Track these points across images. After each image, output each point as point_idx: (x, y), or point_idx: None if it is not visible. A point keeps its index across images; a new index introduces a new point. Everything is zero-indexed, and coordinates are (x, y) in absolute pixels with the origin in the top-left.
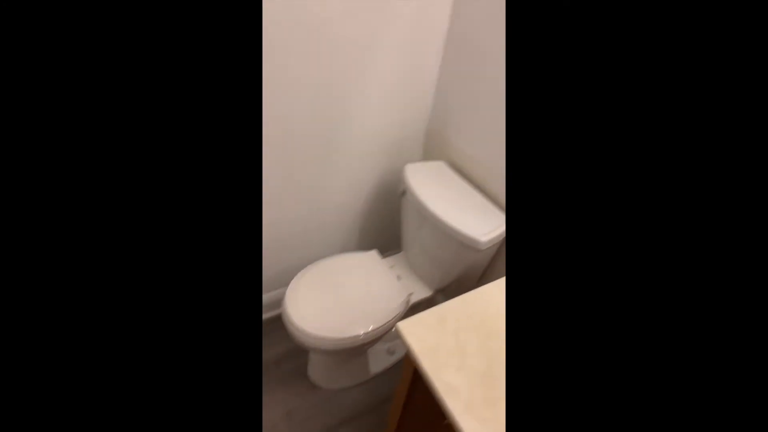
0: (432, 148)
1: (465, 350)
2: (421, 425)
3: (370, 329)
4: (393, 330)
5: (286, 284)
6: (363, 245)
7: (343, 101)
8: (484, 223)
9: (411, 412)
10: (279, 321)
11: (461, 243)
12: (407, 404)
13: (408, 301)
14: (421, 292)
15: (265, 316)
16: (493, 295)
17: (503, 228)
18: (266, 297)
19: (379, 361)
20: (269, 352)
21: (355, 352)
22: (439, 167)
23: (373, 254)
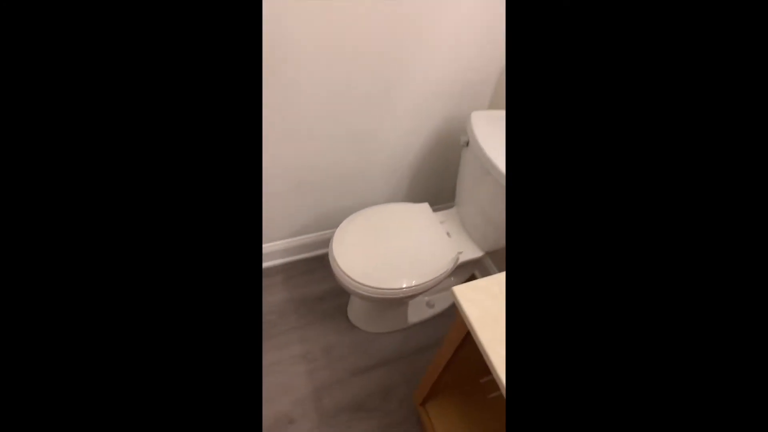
0: (503, 95)
1: None
2: (458, 380)
3: (413, 284)
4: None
5: (334, 226)
6: (412, 196)
7: (412, 33)
8: None
9: (450, 368)
10: (325, 259)
11: None
12: (449, 362)
13: (457, 260)
14: (471, 252)
15: (312, 253)
16: None
17: None
18: (314, 236)
19: (418, 312)
20: (313, 287)
21: (396, 302)
22: None
23: (425, 207)
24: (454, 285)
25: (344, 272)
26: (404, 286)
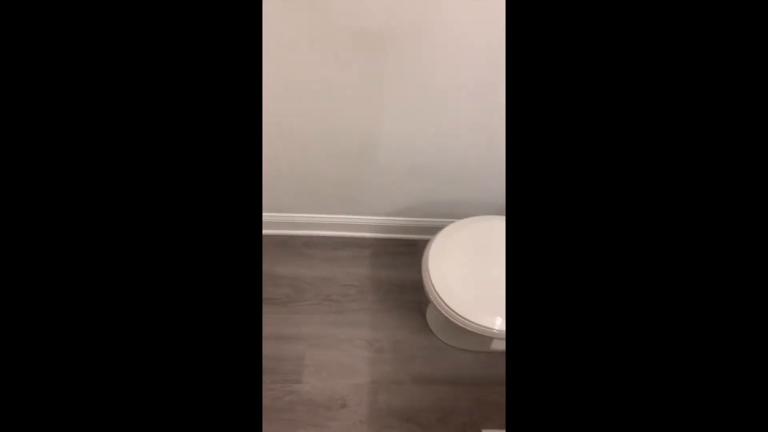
0: None
1: None
2: None
3: None
4: None
5: (437, 216)
6: None
7: None
8: None
9: None
10: (417, 246)
11: None
12: None
13: None
14: None
15: (405, 236)
16: None
17: None
18: (413, 220)
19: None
20: (398, 273)
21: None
22: None
23: None
24: None
25: (435, 289)
26: (496, 328)
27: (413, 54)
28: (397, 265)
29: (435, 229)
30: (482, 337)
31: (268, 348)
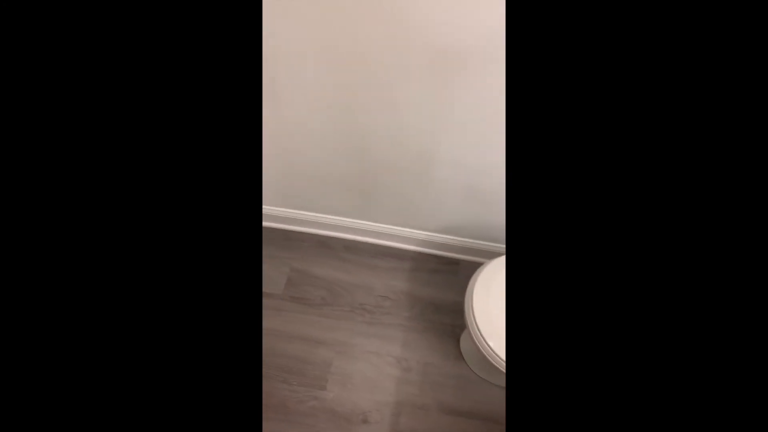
0: None
1: None
2: None
3: None
4: None
5: (486, 239)
6: None
7: None
8: None
9: None
10: (459, 266)
11: None
12: None
13: None
14: None
15: (448, 254)
16: None
17: None
18: (461, 240)
19: None
20: (436, 292)
21: None
22: None
23: None
24: None
25: (476, 323)
26: None
27: (488, 75)
28: (436, 283)
29: (480, 252)
30: None
31: (297, 349)
